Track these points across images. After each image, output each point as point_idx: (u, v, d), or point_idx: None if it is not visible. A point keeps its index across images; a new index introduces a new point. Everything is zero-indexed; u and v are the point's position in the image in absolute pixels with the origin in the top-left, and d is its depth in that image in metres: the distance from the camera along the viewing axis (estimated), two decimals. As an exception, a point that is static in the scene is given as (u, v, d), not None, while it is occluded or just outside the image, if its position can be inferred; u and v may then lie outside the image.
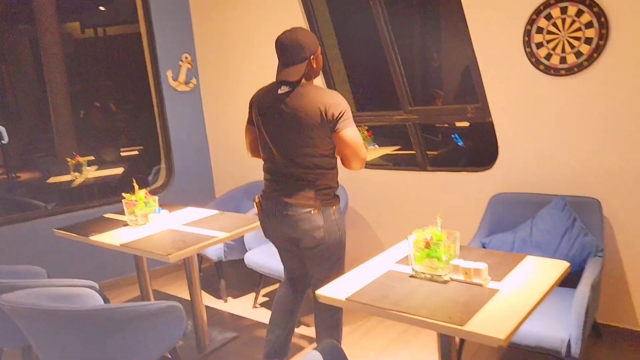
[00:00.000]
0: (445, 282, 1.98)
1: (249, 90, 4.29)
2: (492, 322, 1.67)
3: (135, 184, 3.27)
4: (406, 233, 2.57)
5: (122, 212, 3.43)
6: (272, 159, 2.50)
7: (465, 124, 4.62)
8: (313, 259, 2.50)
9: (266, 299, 3.83)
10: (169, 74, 4.39)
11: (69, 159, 5.13)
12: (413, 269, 2.07)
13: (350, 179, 3.77)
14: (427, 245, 2.00)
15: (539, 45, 2.85)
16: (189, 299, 3.07)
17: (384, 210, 3.76)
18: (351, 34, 4.38)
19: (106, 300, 2.91)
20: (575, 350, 2.21)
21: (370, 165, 3.94)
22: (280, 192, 2.45)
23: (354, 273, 2.17)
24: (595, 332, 2.90)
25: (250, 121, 2.67)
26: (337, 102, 2.31)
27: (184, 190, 4.49)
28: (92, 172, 5.31)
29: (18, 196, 6.19)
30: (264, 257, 3.49)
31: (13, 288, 2.46)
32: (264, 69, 4.16)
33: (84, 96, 7.92)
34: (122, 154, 6.90)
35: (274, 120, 2.43)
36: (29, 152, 7.98)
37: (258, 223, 3.05)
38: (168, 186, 4.51)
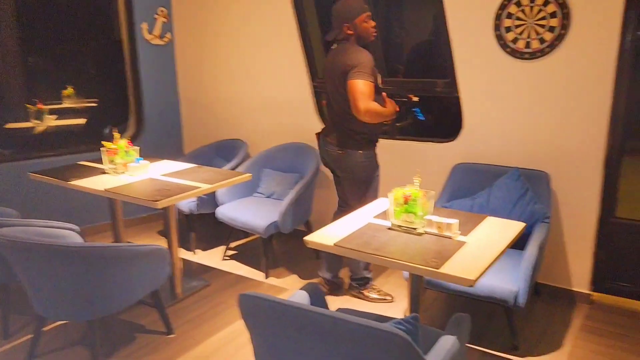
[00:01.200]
0: (420, 234, 2.23)
1: (224, 48, 4.39)
2: (462, 267, 1.94)
3: (115, 133, 3.33)
4: (378, 194, 2.82)
5: (96, 161, 3.48)
6: (327, 103, 3.09)
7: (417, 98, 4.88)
8: (344, 187, 3.08)
9: (235, 252, 4.01)
10: (144, 26, 4.38)
11: (29, 106, 5.02)
12: (392, 222, 2.31)
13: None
14: (406, 201, 2.24)
15: (508, 29, 3.11)
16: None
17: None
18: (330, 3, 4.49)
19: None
20: (522, 301, 2.55)
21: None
22: (324, 132, 3.10)
23: (337, 224, 2.38)
24: (535, 290, 3.29)
25: None
26: (357, 57, 2.76)
27: (152, 144, 4.54)
28: (52, 121, 5.22)
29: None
30: (235, 211, 3.65)
31: (-5, 226, 2.52)
32: (242, 27, 4.25)
33: (38, 41, 7.59)
34: (81, 105, 6.74)
35: (325, 71, 3.05)
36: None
37: (237, 178, 3.21)
38: (137, 139, 4.53)
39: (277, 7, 3.97)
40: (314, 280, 3.39)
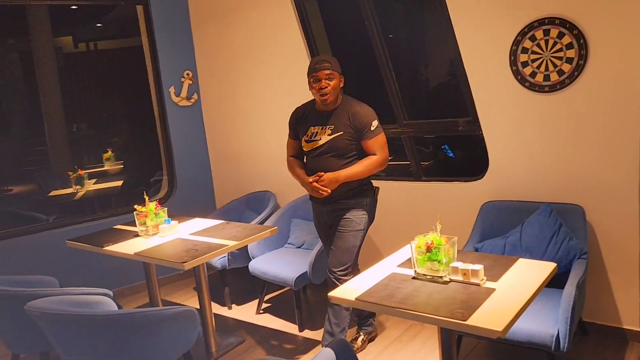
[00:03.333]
0: (445, 282, 2.17)
1: (248, 104, 4.51)
2: (490, 317, 1.86)
3: (145, 196, 3.43)
4: (402, 240, 2.77)
5: (130, 223, 3.58)
6: None
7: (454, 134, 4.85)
8: (347, 242, 3.04)
9: (269, 304, 3.99)
10: (172, 90, 4.56)
11: (70, 173, 5.26)
12: (415, 271, 2.25)
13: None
14: (429, 249, 2.19)
15: (525, 64, 3.08)
16: (195, 306, 3.22)
17: (380, 219, 3.95)
18: (346, 50, 4.58)
19: (119, 307, 3.05)
20: (563, 344, 2.41)
21: (367, 176, 4.13)
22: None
23: (360, 276, 2.35)
24: (582, 329, 3.11)
25: None
26: None
27: (186, 202, 4.64)
28: (92, 185, 5.44)
29: (17, 209, 6.26)
30: (268, 264, 3.65)
31: (32, 297, 2.59)
32: (263, 83, 4.37)
33: (78, 110, 8.02)
34: (118, 167, 7.01)
35: None
36: (19, 166, 8.04)
37: (264, 232, 3.23)
38: (170, 198, 4.65)
39: (295, 57, 4.07)
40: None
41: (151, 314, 2.47)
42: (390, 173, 4.73)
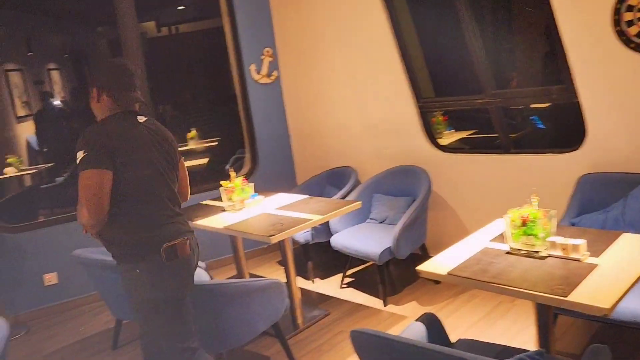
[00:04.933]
0: (542, 257, 2.06)
1: (328, 78, 4.50)
2: (594, 294, 1.75)
3: (231, 172, 3.53)
4: (490, 215, 2.66)
5: (216, 199, 3.70)
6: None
7: (542, 105, 4.58)
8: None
9: (352, 279, 4.01)
10: (252, 67, 4.62)
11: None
12: (509, 246, 2.16)
13: (431, 163, 3.87)
14: (524, 222, 2.09)
15: (630, 23, 2.82)
16: (280, 279, 3.29)
17: (466, 194, 3.84)
18: (430, 20, 4.43)
19: (211, 278, 3.18)
20: (674, 326, 2.23)
21: (450, 149, 4.01)
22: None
23: (450, 251, 2.28)
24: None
25: None
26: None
27: (267, 178, 4.73)
28: (180, 163, 5.68)
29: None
30: (350, 239, 3.66)
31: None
32: (343, 56, 4.33)
33: (163, 92, 8.36)
34: (202, 145, 7.27)
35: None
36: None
37: (348, 207, 3.23)
38: (253, 175, 4.76)
39: (375, 32, 3.99)
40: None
41: (243, 285, 2.55)
42: (475, 146, 4.58)
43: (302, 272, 4.12)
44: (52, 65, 7.88)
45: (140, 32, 8.89)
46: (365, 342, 1.65)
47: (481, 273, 2.00)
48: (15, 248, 3.90)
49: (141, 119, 2.16)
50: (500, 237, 2.30)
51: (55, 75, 7.88)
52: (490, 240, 2.33)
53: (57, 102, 7.71)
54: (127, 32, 7.60)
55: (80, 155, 1.95)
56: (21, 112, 6.62)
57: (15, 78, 7.29)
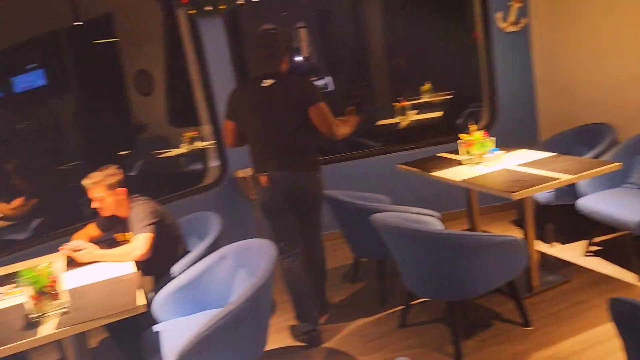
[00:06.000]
0: None
1: (586, 25, 4.00)
2: None
3: (471, 125, 3.46)
4: None
5: (452, 152, 3.68)
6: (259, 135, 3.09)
7: None
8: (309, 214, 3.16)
9: (599, 248, 3.64)
10: (499, 15, 4.37)
11: (395, 104, 5.68)
12: None
13: None
14: None
15: None
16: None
17: None
18: None
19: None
20: None
21: None
22: (268, 166, 3.05)
23: None
24: None
25: None
26: (312, 85, 3.04)
27: (506, 133, 4.48)
28: (413, 116, 5.78)
29: (353, 136, 7.14)
30: (602, 204, 3.31)
31: (373, 210, 2.95)
32: (607, 3, 3.79)
33: (398, 45, 8.47)
34: (437, 98, 7.25)
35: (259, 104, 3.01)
36: (348, 99, 9.07)
37: (604, 168, 2.92)
38: (490, 128, 4.58)
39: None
40: None
41: (481, 238, 2.54)
42: None
43: (540, 235, 3.89)
44: (301, 24, 8.62)
45: (381, -17, 9.06)
46: (628, 313, 1.51)
47: None
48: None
49: None
50: None
51: (303, 32, 8.61)
52: None
53: (299, 58, 8.44)
54: (367, -13, 7.86)
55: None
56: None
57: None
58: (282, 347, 3.06)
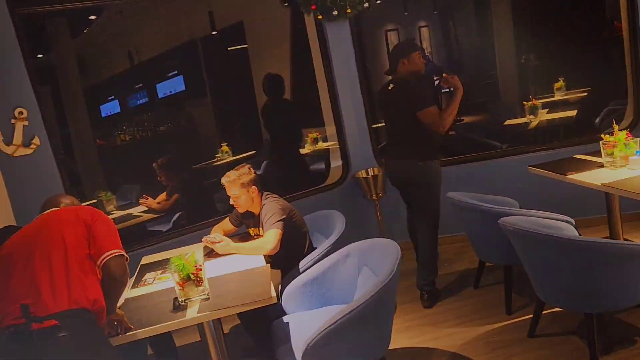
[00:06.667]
0: None
1: None
2: None
3: (614, 125, 3.19)
4: None
5: (591, 154, 3.42)
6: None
7: None
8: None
9: None
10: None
11: (525, 102, 5.38)
12: None
13: None
14: None
15: None
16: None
17: None
18: None
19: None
20: None
21: None
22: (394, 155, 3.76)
23: None
24: None
25: None
26: (418, 92, 3.43)
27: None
28: (545, 115, 5.44)
29: (472, 136, 6.89)
30: None
31: (500, 214, 2.82)
32: None
33: (528, 41, 8.01)
34: (571, 96, 6.75)
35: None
36: (472, 98, 8.73)
37: None
38: (635, 128, 4.18)
39: None
40: None
41: (626, 247, 2.34)
42: None
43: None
44: (422, 23, 8.49)
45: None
46: None
47: None
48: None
49: None
50: None
51: (425, 32, 8.47)
52: None
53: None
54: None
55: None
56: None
57: (391, 37, 8.16)
58: (403, 348, 3.06)
